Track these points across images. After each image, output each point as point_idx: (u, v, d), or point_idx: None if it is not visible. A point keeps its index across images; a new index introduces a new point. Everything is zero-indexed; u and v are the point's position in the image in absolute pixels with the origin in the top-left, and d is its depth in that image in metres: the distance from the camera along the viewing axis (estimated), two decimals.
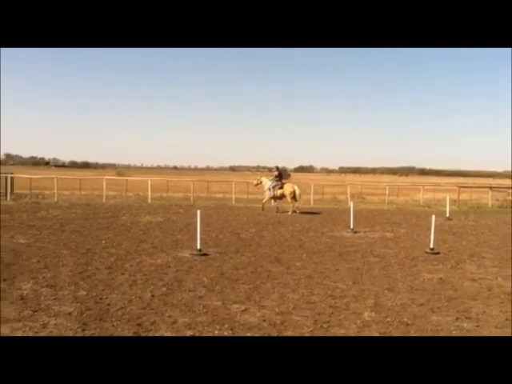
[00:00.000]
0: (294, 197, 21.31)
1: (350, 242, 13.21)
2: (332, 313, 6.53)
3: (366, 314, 6.56)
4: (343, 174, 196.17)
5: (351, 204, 16.10)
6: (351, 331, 5.82)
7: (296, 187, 21.62)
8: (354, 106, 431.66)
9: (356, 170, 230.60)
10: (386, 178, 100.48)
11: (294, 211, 21.11)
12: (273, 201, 22.51)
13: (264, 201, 22.22)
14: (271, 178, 22.05)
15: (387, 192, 31.29)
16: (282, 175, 22.00)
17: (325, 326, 5.98)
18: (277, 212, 21.34)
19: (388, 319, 6.32)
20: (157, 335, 5.49)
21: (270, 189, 21.61)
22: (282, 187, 21.49)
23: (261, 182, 22.56)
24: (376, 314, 6.57)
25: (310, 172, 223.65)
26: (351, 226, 15.27)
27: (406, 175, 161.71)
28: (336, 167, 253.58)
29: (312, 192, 29.10)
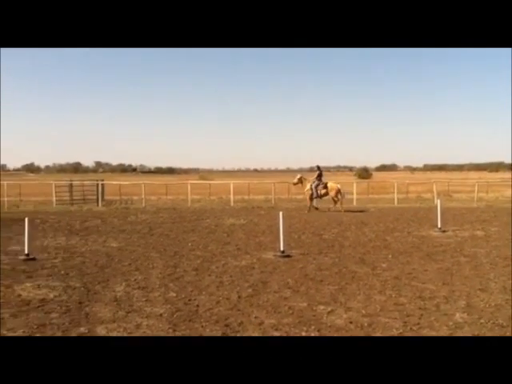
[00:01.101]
0: (337, 195, 21.60)
1: (438, 241, 12.75)
2: (422, 314, 6.33)
3: (457, 315, 6.30)
4: (428, 172, 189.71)
5: (438, 202, 15.53)
6: (442, 333, 5.61)
7: (339, 186, 21.96)
8: (436, 102, 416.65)
9: (442, 167, 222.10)
10: (474, 175, 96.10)
11: (338, 210, 21.28)
12: (309, 200, 22.02)
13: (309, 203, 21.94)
14: (312, 177, 22.11)
15: (476, 189, 29.93)
16: (322, 175, 22.01)
17: (414, 328, 5.81)
18: (315, 209, 21.58)
19: (481, 321, 6.04)
20: (241, 335, 5.57)
21: (312, 188, 21.47)
22: (325, 186, 21.53)
23: (301, 182, 22.44)
24: (468, 315, 6.29)
25: (392, 171, 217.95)
26: (439, 225, 14.72)
27: (496, 171, 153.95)
28: (420, 165, 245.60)
29: (396, 191, 28.37)
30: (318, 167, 22.07)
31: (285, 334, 5.60)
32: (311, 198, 21.73)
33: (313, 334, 5.60)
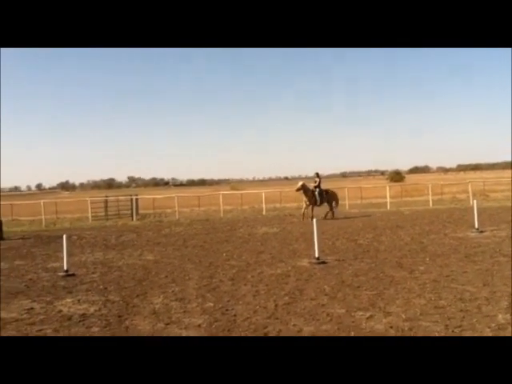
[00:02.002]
0: (337, 202, 22.33)
1: (475, 242, 12.49)
2: (463, 317, 6.20)
3: (500, 316, 6.15)
4: (462, 172, 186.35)
5: (474, 202, 15.23)
6: (485, 335, 5.49)
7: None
8: (468, 101, 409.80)
9: (476, 167, 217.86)
10: (509, 173, 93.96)
11: (331, 217, 21.51)
12: (305, 207, 21.63)
13: (304, 209, 21.67)
14: (313, 184, 21.89)
15: None
16: (320, 182, 21.97)
17: (456, 330, 5.69)
18: (311, 219, 19.12)
19: None
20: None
21: (316, 195, 21.31)
22: (327, 193, 21.81)
23: (303, 188, 21.68)
24: (511, 316, 6.15)
25: (425, 172, 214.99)
26: (476, 226, 14.43)
27: None
28: (454, 165, 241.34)
29: (430, 193, 27.93)
30: (318, 174, 22.01)
31: None
32: (312, 205, 21.28)
33: None
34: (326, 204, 21.73)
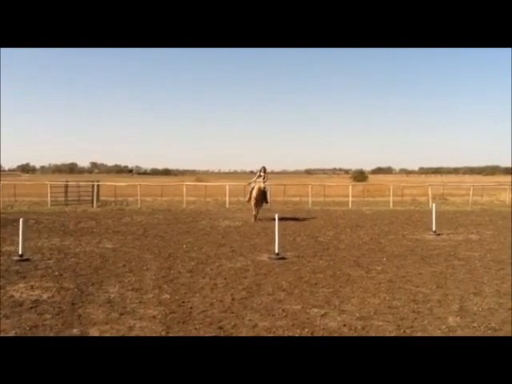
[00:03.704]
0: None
1: (432, 244, 12.78)
2: (415, 318, 6.34)
3: (450, 318, 6.31)
4: (423, 175, 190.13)
5: (433, 205, 15.57)
6: (435, 337, 5.62)
7: None
8: (431, 105, 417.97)
9: (437, 171, 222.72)
10: (470, 178, 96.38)
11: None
12: (256, 207, 18.64)
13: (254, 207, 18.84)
14: (258, 179, 18.60)
15: (471, 192, 30.00)
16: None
17: (408, 331, 5.82)
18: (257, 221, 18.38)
19: (474, 324, 6.05)
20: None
21: (266, 192, 18.65)
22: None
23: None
24: (461, 318, 6.30)
25: (388, 173, 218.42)
26: (433, 228, 14.78)
27: (492, 174, 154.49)
28: (416, 168, 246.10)
29: (391, 194, 28.40)
30: (265, 169, 18.70)
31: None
32: (260, 204, 18.76)
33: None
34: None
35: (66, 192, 28.19)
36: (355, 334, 5.69)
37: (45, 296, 7.31)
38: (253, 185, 18.70)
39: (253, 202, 18.46)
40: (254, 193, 18.25)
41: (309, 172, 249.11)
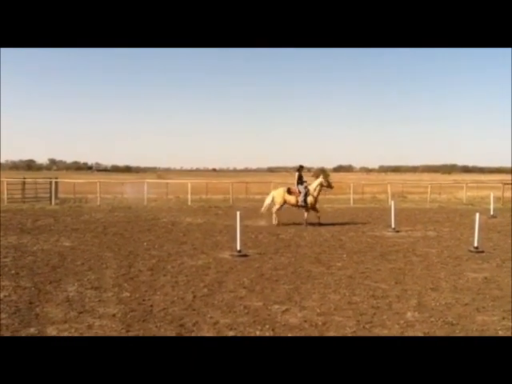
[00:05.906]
0: None
1: (391, 241, 13.02)
2: (374, 313, 6.45)
3: (409, 314, 6.45)
4: (383, 173, 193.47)
5: (392, 203, 15.86)
6: (394, 331, 5.73)
7: None
8: (392, 104, 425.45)
9: (396, 169, 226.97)
10: (428, 177, 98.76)
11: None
12: (275, 208, 16.85)
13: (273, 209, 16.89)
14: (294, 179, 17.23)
15: (429, 190, 30.68)
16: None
17: (367, 326, 5.91)
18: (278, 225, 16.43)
19: (432, 319, 6.20)
20: (196, 335, 5.53)
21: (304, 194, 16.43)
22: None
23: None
24: (419, 314, 6.45)
25: (348, 171, 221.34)
26: (392, 226, 15.05)
27: (449, 173, 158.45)
28: (376, 166, 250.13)
29: (352, 191, 28.78)
30: (301, 167, 17.08)
31: (239, 334, 5.60)
32: (298, 206, 16.76)
33: (267, 334, 5.62)
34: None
35: (23, 189, 27.54)
36: (316, 330, 5.75)
37: (1, 295, 7.11)
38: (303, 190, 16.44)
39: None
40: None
41: (271, 170, 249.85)
